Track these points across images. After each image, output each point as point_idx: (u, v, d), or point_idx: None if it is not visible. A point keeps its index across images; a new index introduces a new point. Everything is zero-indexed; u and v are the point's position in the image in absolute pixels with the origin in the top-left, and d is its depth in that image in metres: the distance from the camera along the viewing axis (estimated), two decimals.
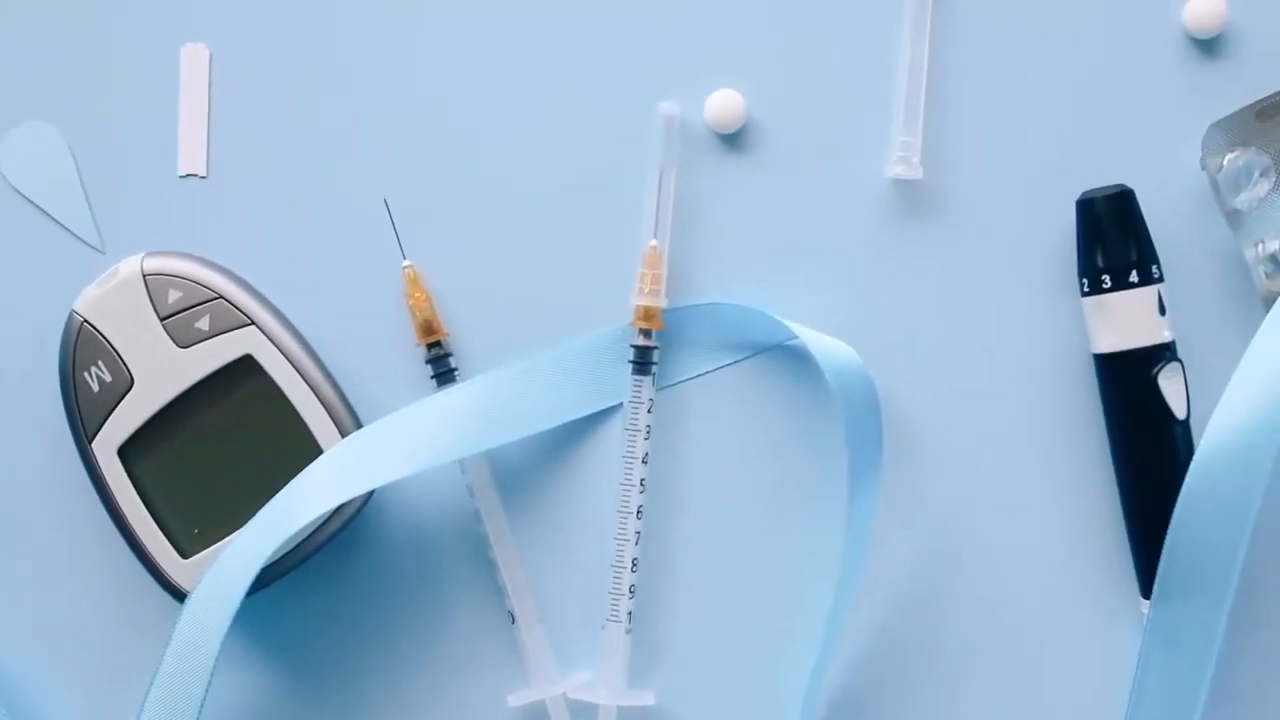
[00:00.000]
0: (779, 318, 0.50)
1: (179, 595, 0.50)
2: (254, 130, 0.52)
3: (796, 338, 0.50)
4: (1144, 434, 0.50)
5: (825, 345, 0.50)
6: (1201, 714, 0.48)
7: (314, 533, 0.50)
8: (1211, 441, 0.48)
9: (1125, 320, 0.49)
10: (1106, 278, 0.49)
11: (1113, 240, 0.49)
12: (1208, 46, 0.51)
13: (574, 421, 0.52)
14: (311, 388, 0.50)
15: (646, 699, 0.51)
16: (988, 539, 0.51)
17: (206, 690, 0.48)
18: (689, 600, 0.52)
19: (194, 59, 0.52)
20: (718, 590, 0.51)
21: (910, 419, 0.51)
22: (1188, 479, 0.48)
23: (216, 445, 0.50)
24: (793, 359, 0.51)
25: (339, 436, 0.50)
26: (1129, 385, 0.50)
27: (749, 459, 0.51)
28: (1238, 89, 0.51)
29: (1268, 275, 0.50)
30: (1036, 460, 0.51)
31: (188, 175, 0.52)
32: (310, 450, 0.50)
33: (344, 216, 0.52)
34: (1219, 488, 0.48)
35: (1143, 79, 0.51)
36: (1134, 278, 0.49)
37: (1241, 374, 0.48)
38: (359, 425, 0.50)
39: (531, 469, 0.52)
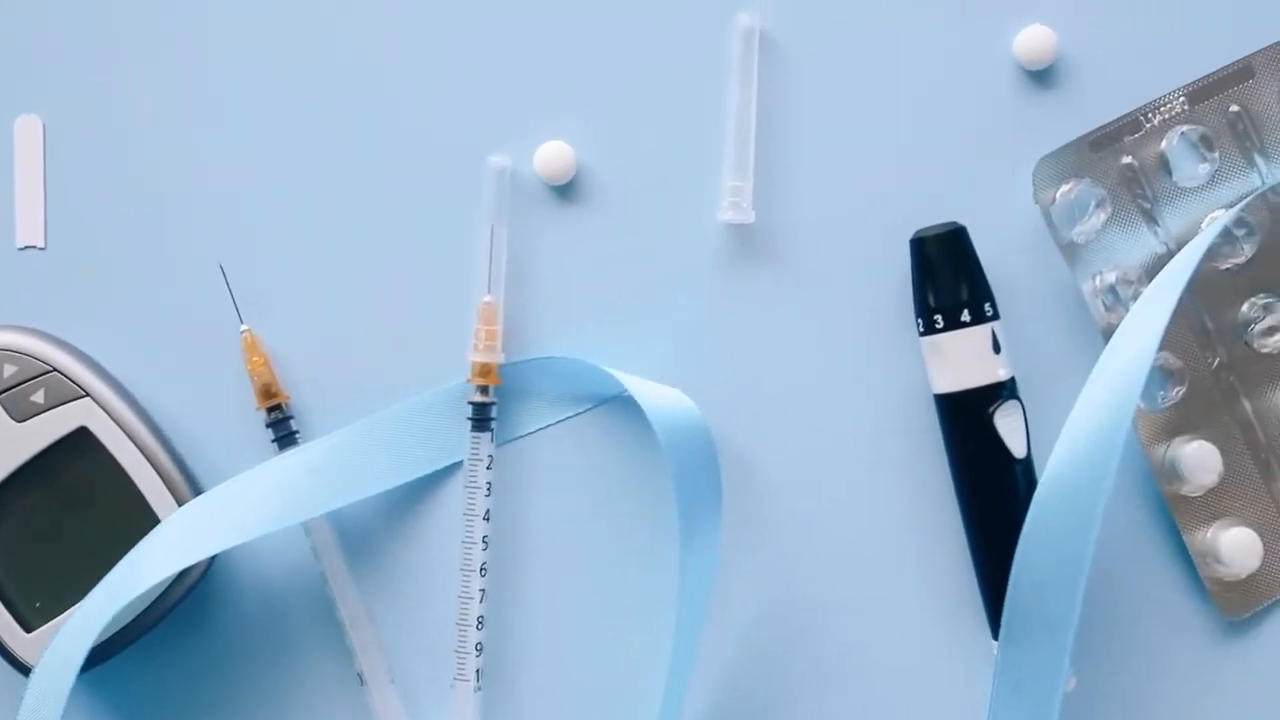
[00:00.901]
0: (610, 370, 0.50)
1: (24, 670, 0.50)
2: (91, 200, 0.52)
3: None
4: (984, 474, 0.49)
5: (656, 396, 0.49)
6: None
7: (157, 600, 0.50)
8: (1049, 479, 0.47)
9: (959, 360, 0.49)
10: (939, 318, 0.49)
11: (943, 280, 0.49)
12: (1039, 78, 0.51)
13: (417, 480, 0.51)
14: (147, 457, 0.50)
15: None
16: (837, 584, 0.51)
17: None
18: (538, 655, 0.51)
19: (27, 131, 0.52)
20: (567, 644, 0.51)
21: (754, 465, 0.51)
22: (1027, 518, 0.47)
23: (56, 518, 0.50)
24: (633, 409, 0.51)
25: (176, 505, 0.50)
26: (967, 425, 0.49)
27: (593, 511, 0.51)
28: (1072, 120, 0.50)
29: (1107, 307, 0.50)
30: (884, 503, 0.51)
31: (26, 247, 0.52)
32: (148, 520, 0.50)
33: (182, 284, 0.52)
34: (1057, 526, 0.47)
35: (976, 113, 0.51)
36: (966, 317, 0.49)
37: (1079, 409, 0.47)
38: (198, 493, 0.50)
39: (376, 528, 0.52)
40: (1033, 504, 0.47)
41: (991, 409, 0.49)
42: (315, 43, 0.52)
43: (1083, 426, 0.47)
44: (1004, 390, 0.49)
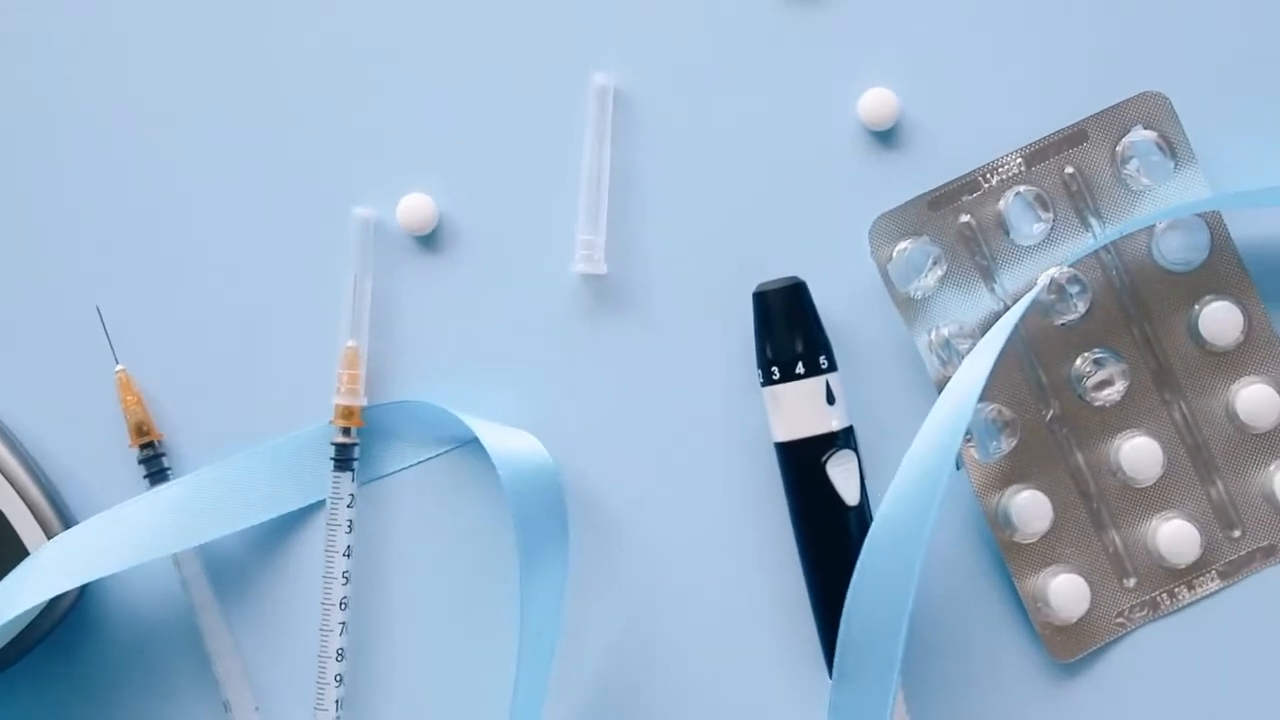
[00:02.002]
0: (460, 414, 0.52)
1: None
2: None
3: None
4: (818, 519, 0.51)
5: (504, 440, 0.51)
6: None
7: (26, 630, 0.51)
8: (878, 524, 0.49)
9: (795, 410, 0.51)
10: (775, 369, 0.51)
11: (780, 332, 0.51)
12: (882, 138, 0.53)
13: (284, 516, 0.53)
14: (18, 491, 0.52)
15: None
16: (683, 623, 0.53)
17: None
18: (396, 687, 0.53)
19: None
20: (423, 677, 0.53)
21: (603, 507, 0.53)
22: (858, 562, 0.49)
23: None
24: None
25: (45, 537, 0.52)
26: (802, 472, 0.51)
27: (450, 549, 0.53)
28: (912, 180, 0.52)
29: (943, 362, 0.52)
30: (728, 546, 0.53)
31: None
32: (18, 553, 0.51)
33: (59, 324, 0.54)
34: (883, 570, 0.49)
35: (820, 171, 0.53)
36: (801, 369, 0.51)
37: (906, 459, 0.49)
38: (68, 526, 0.52)
39: (244, 562, 0.54)
40: (863, 548, 0.49)
41: (825, 458, 0.50)
42: (191, 88, 0.54)
43: (909, 476, 0.49)
44: (838, 439, 0.51)
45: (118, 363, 0.54)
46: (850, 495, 0.51)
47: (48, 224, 0.54)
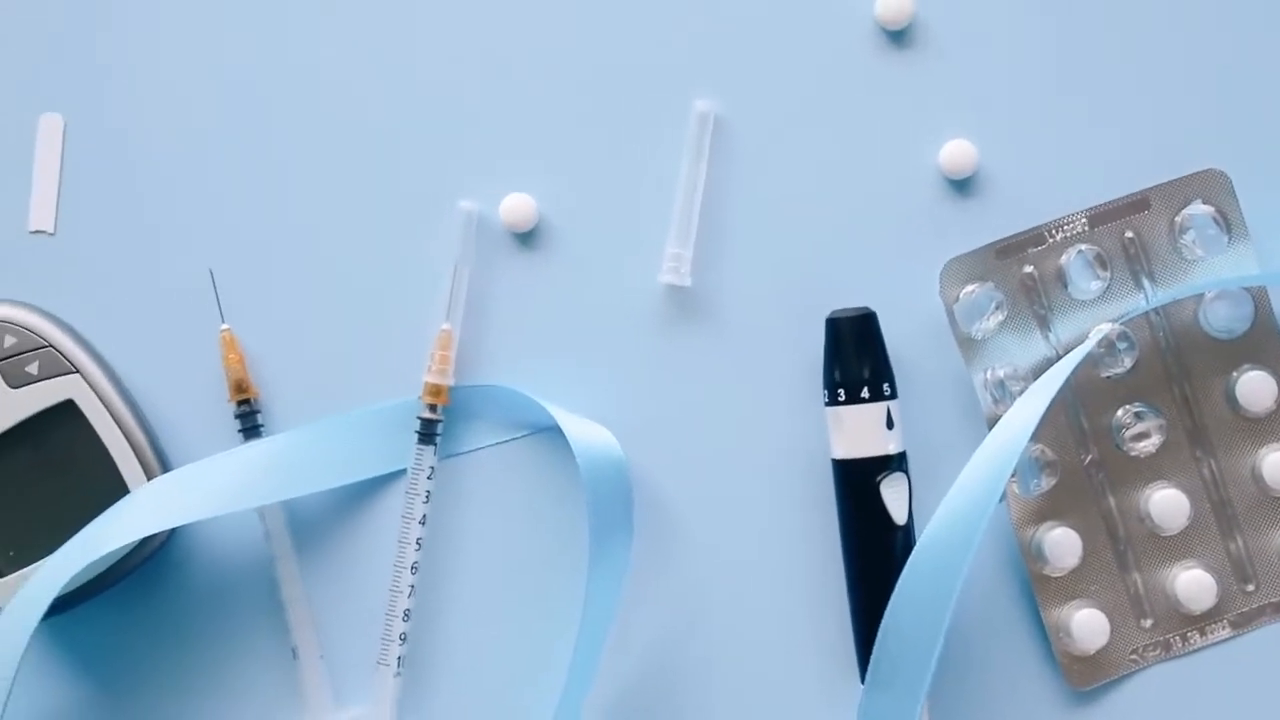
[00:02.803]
0: (544, 403, 0.55)
1: None
2: (99, 194, 0.57)
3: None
4: (867, 535, 0.55)
5: (582, 430, 0.55)
6: None
7: (119, 563, 0.55)
8: (922, 545, 0.53)
9: (856, 431, 0.54)
10: (842, 391, 0.54)
11: (850, 358, 0.54)
12: (959, 187, 0.56)
13: (365, 481, 0.57)
14: (125, 433, 0.55)
15: None
16: (729, 617, 0.56)
17: (8, 695, 0.53)
18: (455, 650, 0.57)
19: (50, 127, 0.58)
20: (481, 643, 0.57)
21: (666, 502, 0.56)
22: (900, 578, 0.53)
23: (36, 478, 0.55)
24: (565, 440, 0.56)
25: (145, 479, 0.55)
26: (856, 490, 0.55)
27: (518, 527, 0.57)
28: (983, 228, 0.56)
29: (995, 400, 0.55)
30: (778, 549, 0.56)
31: (37, 231, 0.58)
32: (120, 490, 0.55)
33: (174, 280, 0.57)
34: (924, 587, 0.53)
35: (898, 211, 0.56)
36: (865, 394, 0.54)
37: (955, 487, 0.53)
38: (168, 469, 0.56)
39: (324, 521, 0.57)
40: (907, 566, 0.53)
41: (879, 478, 0.54)
42: (331, 79, 0.57)
43: (956, 503, 0.52)
44: (893, 463, 0.54)
45: (224, 322, 0.57)
46: (899, 515, 0.54)
47: (175, 184, 0.57)
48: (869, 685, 0.54)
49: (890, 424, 0.54)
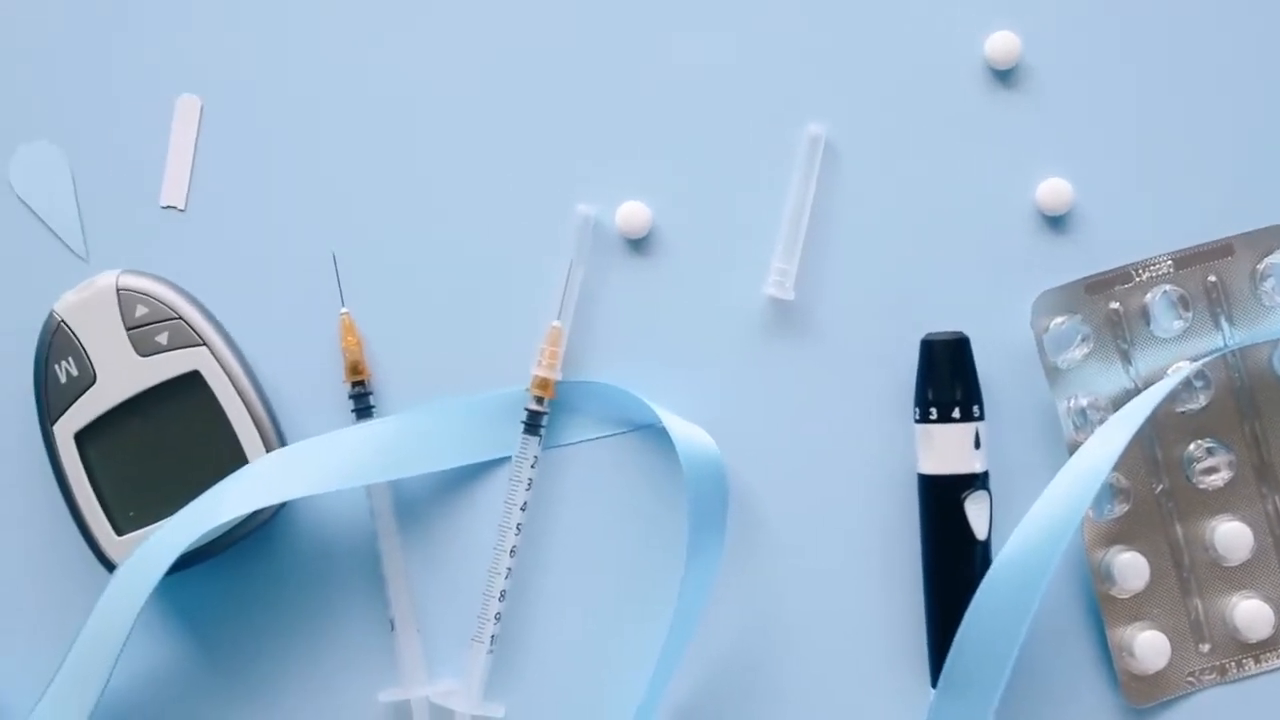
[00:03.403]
0: (649, 402, 0.58)
1: (110, 566, 0.57)
2: (232, 176, 0.60)
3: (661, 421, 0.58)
4: (949, 548, 0.57)
5: (684, 430, 0.58)
6: None
7: (230, 530, 0.57)
8: (1001, 561, 0.55)
9: (945, 449, 0.57)
10: (934, 410, 0.57)
11: (943, 379, 0.57)
12: (1054, 223, 0.59)
13: (470, 466, 0.59)
14: (246, 406, 0.58)
15: (497, 712, 0.59)
16: (810, 617, 0.59)
17: (121, 648, 0.55)
18: (546, 632, 0.59)
19: (187, 107, 0.60)
20: (572, 627, 0.59)
21: (756, 507, 0.59)
22: (979, 591, 0.56)
23: (159, 443, 0.58)
24: (663, 439, 0.59)
25: (263, 451, 0.58)
26: (941, 505, 0.57)
27: (616, 519, 0.59)
28: (1074, 263, 0.59)
29: (1076, 427, 0.58)
30: (861, 555, 0.59)
31: (168, 207, 0.60)
32: (238, 459, 0.57)
33: (298, 262, 0.60)
34: (1002, 600, 0.55)
35: (995, 242, 0.59)
36: (956, 414, 0.57)
37: (1036, 509, 0.55)
38: (283, 444, 0.58)
39: (428, 502, 0.60)
40: (985, 580, 0.55)
41: (964, 495, 0.57)
42: (457, 75, 0.60)
43: (1036, 523, 0.55)
44: (977, 481, 0.57)
45: (344, 305, 0.60)
46: (980, 530, 0.57)
47: (305, 170, 0.60)
48: (941, 691, 0.56)
49: (978, 444, 0.57)
